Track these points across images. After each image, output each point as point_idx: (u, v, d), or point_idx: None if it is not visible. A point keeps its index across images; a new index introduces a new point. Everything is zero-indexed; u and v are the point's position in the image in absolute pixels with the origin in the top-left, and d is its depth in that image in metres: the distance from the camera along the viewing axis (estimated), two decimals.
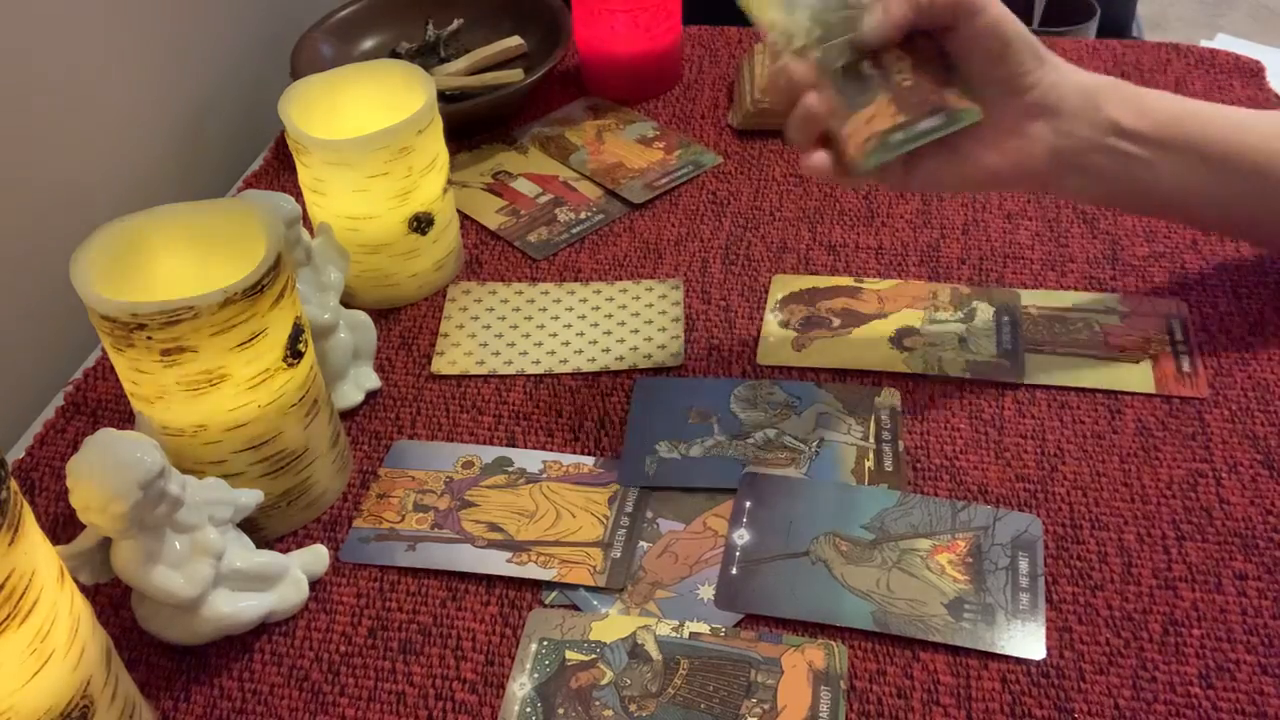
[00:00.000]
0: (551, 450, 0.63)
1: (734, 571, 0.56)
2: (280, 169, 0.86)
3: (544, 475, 0.62)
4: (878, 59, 0.58)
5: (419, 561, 0.58)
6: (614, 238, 0.78)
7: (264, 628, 0.55)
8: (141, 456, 0.49)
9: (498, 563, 0.57)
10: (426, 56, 0.93)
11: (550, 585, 0.56)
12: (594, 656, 0.53)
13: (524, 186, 0.83)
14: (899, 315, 0.70)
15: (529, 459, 0.63)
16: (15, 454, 0.66)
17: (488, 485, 0.61)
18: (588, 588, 0.56)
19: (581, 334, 0.70)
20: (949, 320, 0.69)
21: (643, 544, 0.58)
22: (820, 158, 0.58)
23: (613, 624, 0.54)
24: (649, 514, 0.59)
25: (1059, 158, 0.59)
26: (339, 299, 0.66)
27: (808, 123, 0.58)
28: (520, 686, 0.52)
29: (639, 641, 0.53)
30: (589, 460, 0.62)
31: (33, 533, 0.41)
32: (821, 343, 0.68)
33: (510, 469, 0.62)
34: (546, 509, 0.60)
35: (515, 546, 0.58)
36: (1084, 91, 0.59)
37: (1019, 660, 0.52)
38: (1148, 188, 0.61)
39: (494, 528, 0.59)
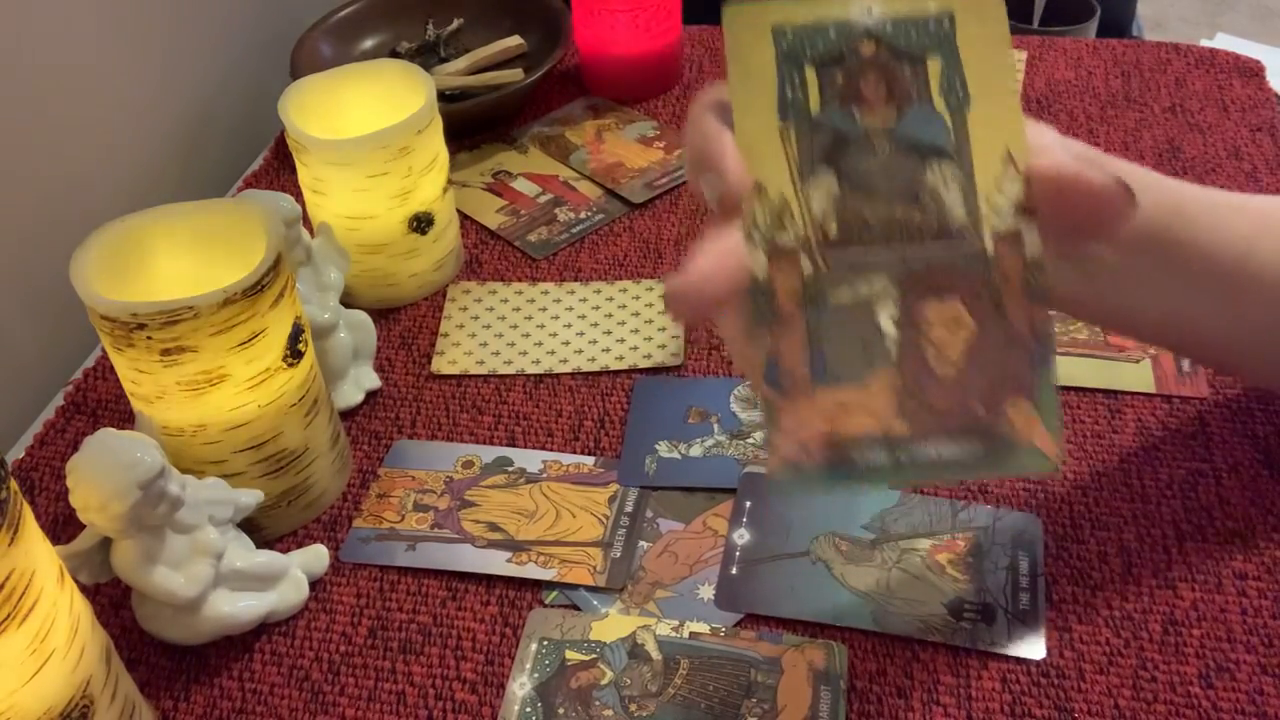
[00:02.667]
0: (551, 450, 0.63)
1: (734, 571, 0.56)
2: (280, 169, 0.86)
3: (544, 475, 0.62)
4: (919, 304, 0.35)
5: (419, 561, 0.58)
6: (614, 237, 0.78)
7: (264, 628, 0.55)
8: (141, 456, 0.49)
9: (498, 563, 0.57)
10: (426, 56, 0.93)
11: (550, 585, 0.56)
12: (594, 656, 0.53)
13: (524, 186, 0.83)
14: None
15: (529, 459, 0.63)
16: (15, 454, 0.66)
17: (488, 485, 0.61)
18: (588, 587, 0.56)
19: (581, 334, 0.70)
20: None
21: (643, 544, 0.58)
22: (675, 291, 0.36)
23: (613, 624, 0.54)
24: (649, 514, 0.59)
25: None
26: (339, 299, 0.66)
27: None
28: (520, 686, 0.52)
29: (639, 641, 0.53)
30: (589, 460, 0.62)
31: (33, 533, 0.41)
32: None
33: (510, 469, 0.62)
34: (546, 509, 0.60)
35: (515, 546, 0.58)
36: None
37: (1019, 660, 0.52)
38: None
39: (494, 527, 0.59)
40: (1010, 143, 0.36)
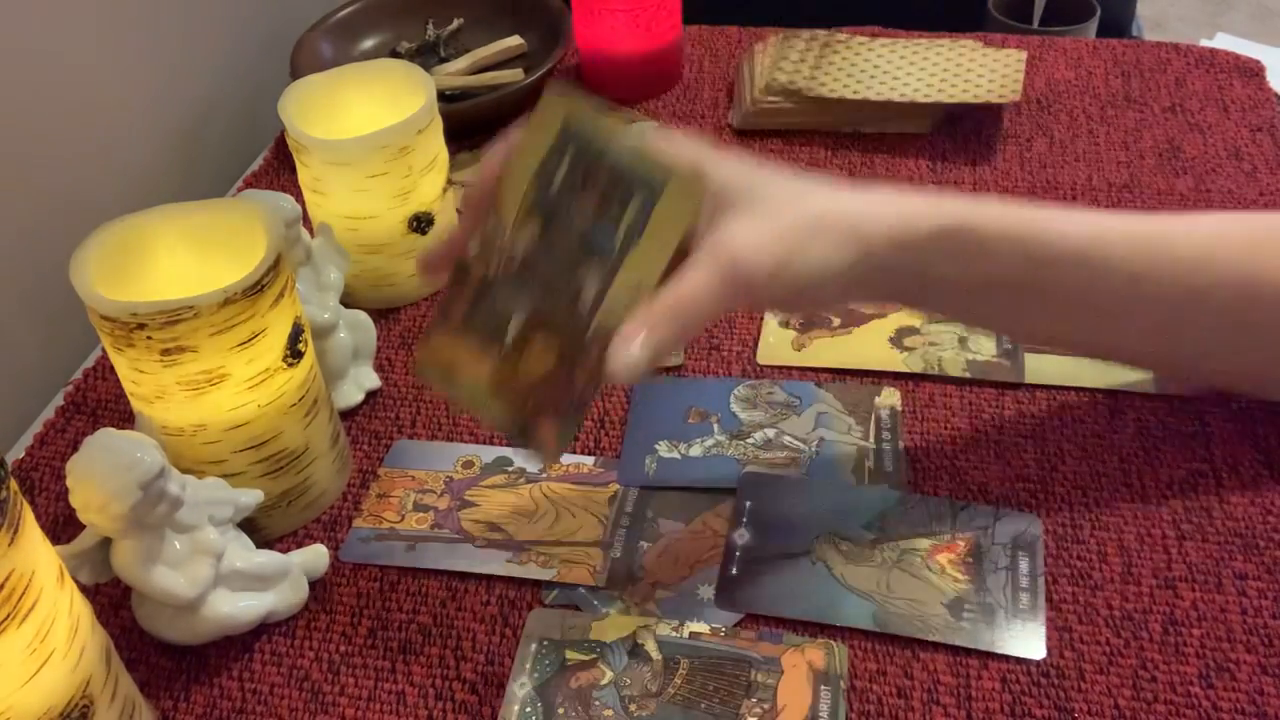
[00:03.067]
0: None
1: (734, 571, 0.56)
2: (280, 169, 0.86)
3: (544, 475, 0.62)
4: (533, 329, 0.50)
5: (419, 561, 0.58)
6: None
7: (264, 628, 0.55)
8: (141, 456, 0.49)
9: (498, 562, 0.57)
10: (426, 56, 0.93)
11: (550, 585, 0.56)
12: (594, 656, 0.53)
13: None
14: (899, 315, 0.70)
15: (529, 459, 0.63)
16: (15, 454, 0.66)
17: (487, 485, 0.61)
18: (587, 588, 0.56)
19: None
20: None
21: (643, 544, 0.58)
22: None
23: (613, 624, 0.54)
24: (649, 514, 0.59)
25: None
26: (339, 299, 0.66)
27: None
28: (520, 686, 0.52)
29: (639, 641, 0.53)
30: (589, 460, 0.62)
31: (33, 533, 0.41)
32: (821, 342, 0.68)
33: (510, 468, 0.62)
34: (546, 509, 0.60)
35: (515, 546, 0.58)
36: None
37: (1019, 660, 0.52)
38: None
39: (494, 527, 0.59)
40: (645, 281, 0.48)
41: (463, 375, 0.51)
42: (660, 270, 0.48)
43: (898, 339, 0.68)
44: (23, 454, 0.66)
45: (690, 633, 0.54)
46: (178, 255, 0.57)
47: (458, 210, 0.75)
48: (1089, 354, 0.63)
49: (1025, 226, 0.52)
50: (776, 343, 0.69)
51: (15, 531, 0.40)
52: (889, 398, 0.64)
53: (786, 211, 0.50)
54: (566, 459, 0.62)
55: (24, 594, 0.40)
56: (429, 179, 0.70)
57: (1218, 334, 0.55)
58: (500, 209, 0.50)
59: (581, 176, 0.49)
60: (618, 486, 0.61)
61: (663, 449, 0.63)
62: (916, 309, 0.65)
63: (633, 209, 0.48)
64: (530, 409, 0.50)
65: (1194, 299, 0.54)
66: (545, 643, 0.54)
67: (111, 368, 0.70)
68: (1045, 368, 0.65)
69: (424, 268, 0.54)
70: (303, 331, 0.56)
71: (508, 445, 0.62)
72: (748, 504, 0.59)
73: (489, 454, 0.63)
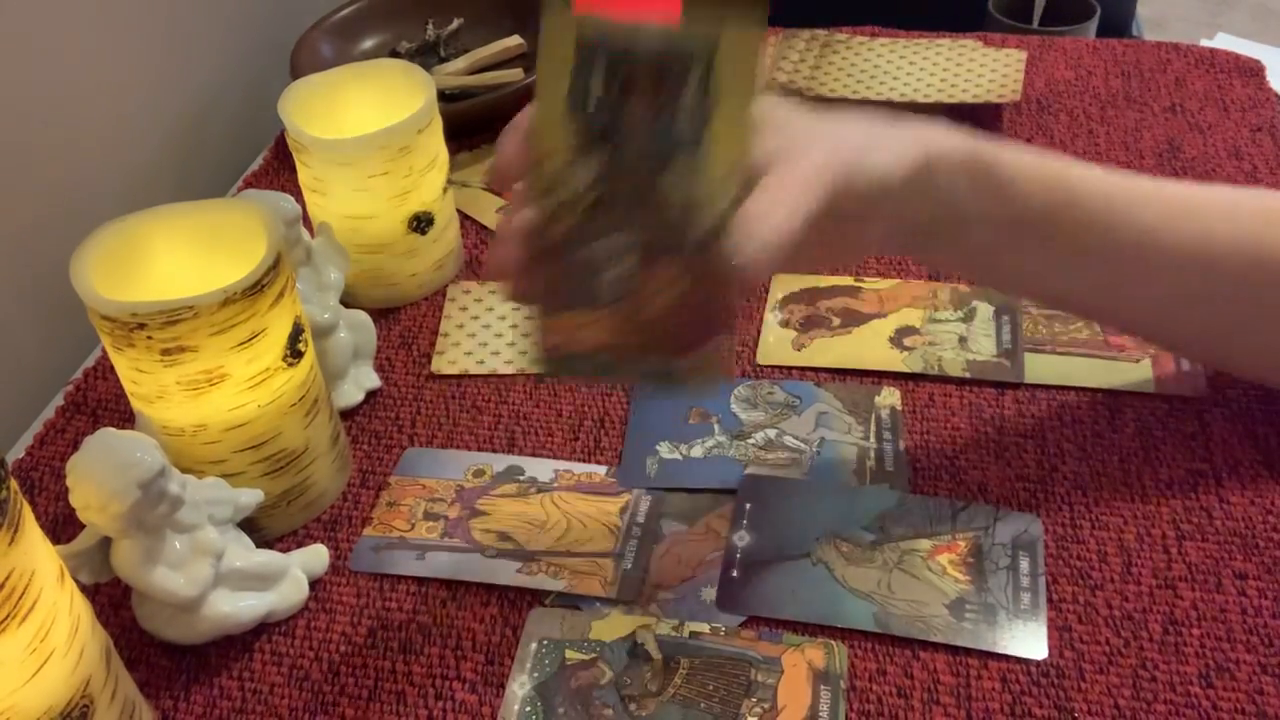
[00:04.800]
0: (561, 459, 0.63)
1: (735, 574, 0.56)
2: (280, 169, 0.86)
3: (555, 484, 0.61)
4: (645, 266, 0.44)
5: (429, 571, 0.57)
6: None
7: (264, 627, 0.55)
8: (141, 456, 0.49)
9: (508, 572, 0.57)
10: (426, 56, 0.93)
11: (562, 596, 0.56)
12: (594, 656, 0.53)
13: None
14: (899, 315, 0.70)
15: (540, 468, 0.62)
16: (15, 454, 0.66)
17: (498, 494, 0.61)
18: (600, 600, 0.56)
19: None
20: (949, 319, 0.69)
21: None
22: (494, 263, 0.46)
23: (613, 623, 0.54)
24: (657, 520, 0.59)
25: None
26: (339, 299, 0.66)
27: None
28: (520, 686, 0.52)
29: (639, 641, 0.53)
30: (600, 470, 0.62)
31: (33, 533, 0.41)
32: (821, 342, 0.68)
33: (521, 478, 0.62)
34: (557, 519, 0.59)
35: (525, 556, 0.58)
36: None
37: (1019, 660, 0.52)
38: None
39: (504, 537, 0.59)
40: (739, 150, 0.43)
41: (586, 348, 0.45)
42: (749, 132, 0.43)
43: (898, 339, 0.68)
44: (23, 454, 0.66)
45: (690, 632, 0.54)
46: (178, 255, 0.57)
47: (459, 210, 0.75)
48: (1103, 318, 0.62)
49: (1049, 166, 0.53)
50: (776, 343, 0.69)
51: (15, 531, 0.40)
52: (889, 398, 0.64)
53: (843, 130, 0.49)
54: (578, 468, 0.62)
55: (24, 594, 0.40)
56: (429, 179, 0.70)
57: (1230, 307, 0.55)
58: (544, 162, 0.44)
59: (622, 84, 0.43)
60: (629, 497, 0.60)
61: (664, 450, 0.63)
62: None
63: (693, 85, 0.43)
64: (683, 343, 0.45)
65: (1207, 264, 0.54)
66: (545, 642, 0.54)
67: (111, 368, 0.70)
68: (1045, 368, 0.65)
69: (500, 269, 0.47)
70: (303, 331, 0.56)
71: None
72: (748, 506, 0.59)
73: (500, 463, 0.63)
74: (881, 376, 0.66)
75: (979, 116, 0.86)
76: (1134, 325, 0.60)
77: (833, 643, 0.53)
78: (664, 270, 0.43)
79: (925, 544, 0.57)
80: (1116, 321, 0.61)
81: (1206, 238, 0.54)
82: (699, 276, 0.43)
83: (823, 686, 0.51)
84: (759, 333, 0.69)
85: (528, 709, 0.51)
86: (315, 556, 0.57)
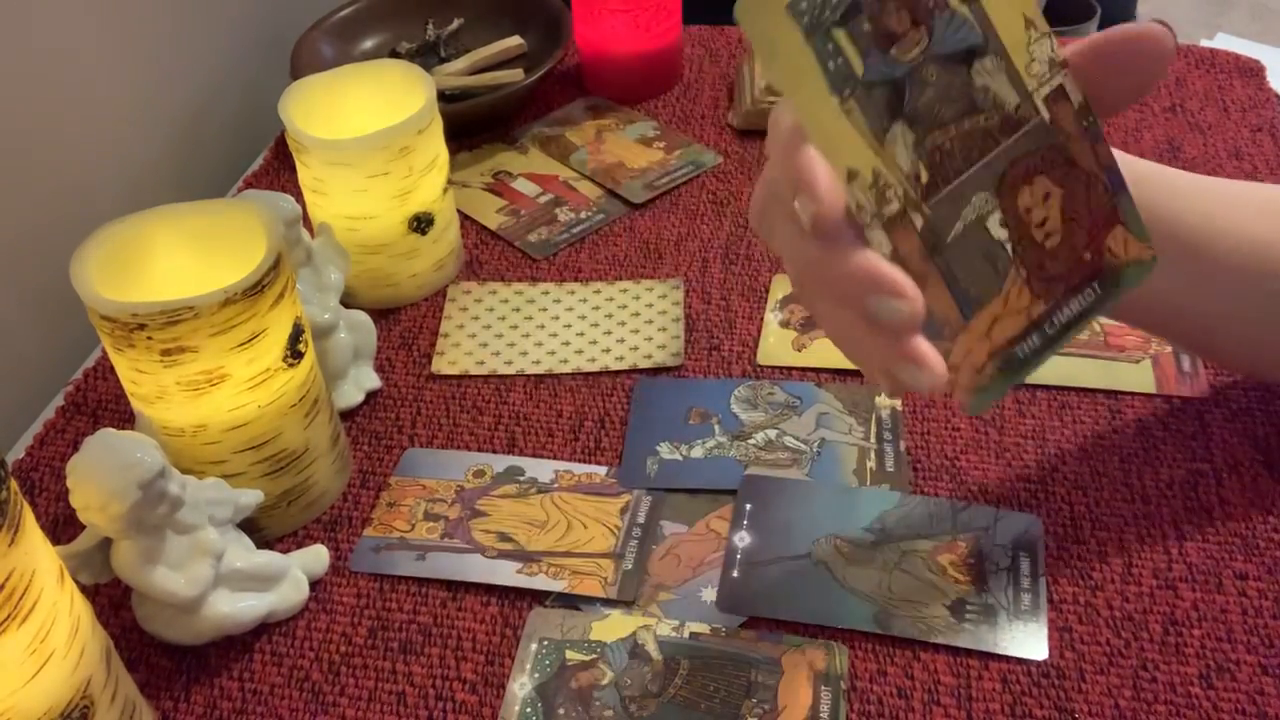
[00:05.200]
0: (561, 460, 0.63)
1: (735, 574, 0.56)
2: (280, 169, 0.86)
3: (555, 485, 0.61)
4: (1014, 198, 0.37)
5: (429, 571, 0.57)
6: (614, 238, 0.78)
7: (264, 628, 0.55)
8: (141, 456, 0.49)
9: (508, 573, 0.57)
10: (426, 56, 0.93)
11: (561, 597, 0.56)
12: (594, 656, 0.53)
13: (524, 186, 0.83)
14: None
15: (540, 468, 0.62)
16: (15, 454, 0.66)
17: (498, 495, 0.61)
18: (601, 600, 0.56)
19: (581, 334, 0.70)
20: None
21: (650, 546, 0.58)
22: (936, 369, 0.38)
23: (613, 624, 0.54)
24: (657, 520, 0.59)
25: None
26: (339, 299, 0.66)
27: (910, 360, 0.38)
28: (520, 686, 0.52)
29: (639, 641, 0.53)
30: (601, 470, 0.62)
31: (33, 533, 0.41)
32: (822, 343, 0.68)
33: (521, 478, 0.62)
34: (557, 519, 0.59)
35: (525, 557, 0.58)
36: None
37: (1019, 660, 0.52)
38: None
39: (504, 537, 0.59)
40: (1024, 8, 0.37)
41: (1011, 340, 0.39)
42: None
43: None
44: (23, 454, 0.66)
45: (691, 633, 0.54)
46: (178, 255, 0.57)
47: (459, 210, 0.75)
48: (1162, 322, 0.54)
49: (1131, 160, 0.49)
50: (777, 343, 0.69)
51: (15, 531, 0.39)
52: (889, 398, 0.64)
53: None
54: (579, 469, 0.62)
55: (24, 594, 0.40)
56: (429, 179, 0.70)
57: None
58: (853, 167, 0.36)
59: (870, 25, 0.36)
60: (629, 497, 0.60)
61: (664, 450, 0.62)
62: None
63: None
64: (1091, 255, 0.39)
65: (1265, 247, 0.51)
66: (545, 643, 0.54)
67: (111, 368, 0.70)
68: (1045, 368, 0.65)
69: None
70: (303, 332, 0.56)
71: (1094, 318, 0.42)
72: (748, 507, 0.59)
73: (500, 463, 0.63)
74: None
75: None
76: (1190, 330, 0.54)
77: (833, 643, 0.53)
78: (1036, 188, 0.38)
79: (925, 544, 0.57)
80: (1170, 328, 0.55)
81: (1266, 229, 0.50)
82: (1066, 158, 0.37)
83: (823, 687, 0.51)
84: (759, 333, 0.69)
85: (528, 710, 0.51)
86: (315, 557, 0.57)
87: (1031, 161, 0.38)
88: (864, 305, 0.38)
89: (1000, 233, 0.38)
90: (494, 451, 0.64)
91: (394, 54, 0.93)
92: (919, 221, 0.37)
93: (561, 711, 0.51)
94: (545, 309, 0.72)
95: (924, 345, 0.38)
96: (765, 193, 0.42)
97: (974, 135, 0.37)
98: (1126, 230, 0.39)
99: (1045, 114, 0.38)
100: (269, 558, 0.55)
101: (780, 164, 0.39)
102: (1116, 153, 0.42)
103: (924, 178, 0.37)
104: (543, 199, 0.82)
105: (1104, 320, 0.68)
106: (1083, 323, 0.40)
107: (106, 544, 0.51)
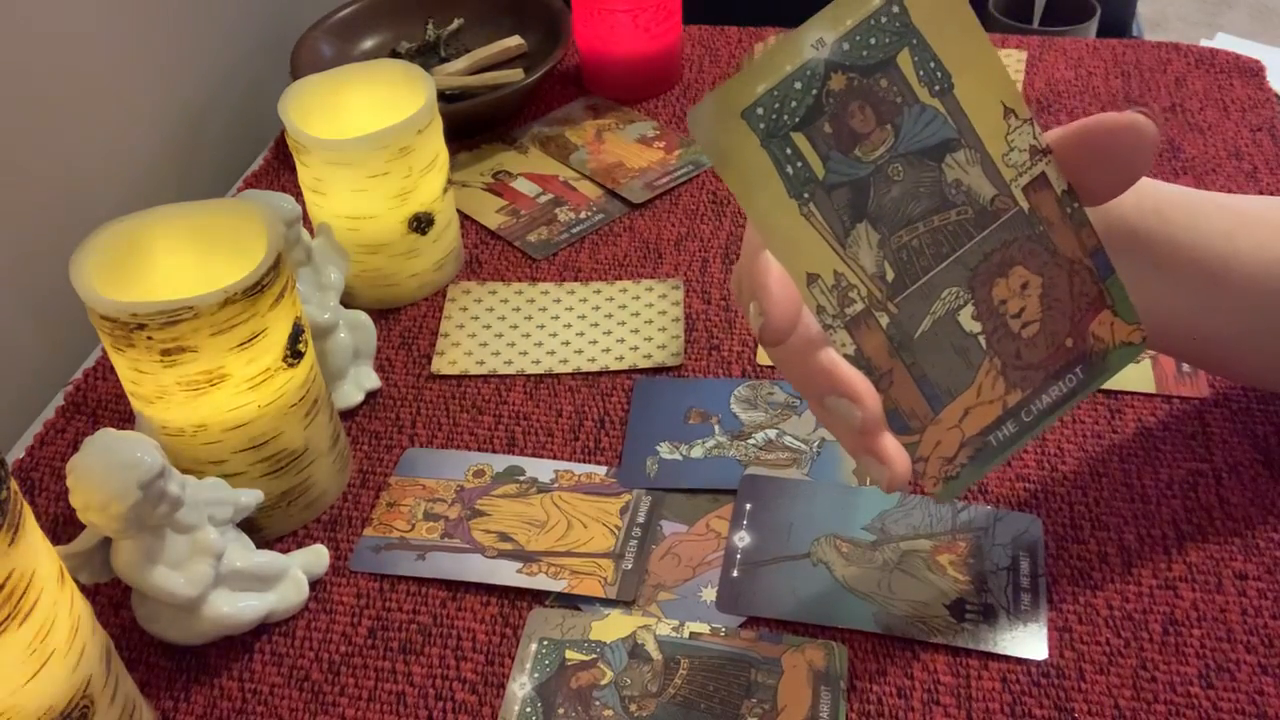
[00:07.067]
0: (561, 459, 0.63)
1: (735, 574, 0.56)
2: (280, 169, 0.86)
3: (555, 485, 0.61)
4: (988, 290, 0.37)
5: (429, 571, 0.57)
6: (614, 238, 0.78)
7: (264, 628, 0.55)
8: (141, 456, 0.49)
9: (508, 573, 0.57)
10: (426, 56, 0.93)
11: (561, 597, 0.56)
12: (594, 656, 0.53)
13: (524, 186, 0.83)
14: None
15: (540, 468, 0.62)
16: (15, 454, 0.66)
17: (498, 494, 0.61)
18: (600, 600, 0.56)
19: (581, 334, 0.70)
20: None
21: (649, 546, 0.58)
22: (897, 467, 0.39)
23: (613, 624, 0.54)
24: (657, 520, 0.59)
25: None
26: (339, 299, 0.66)
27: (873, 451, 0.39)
28: (520, 686, 0.52)
29: (639, 641, 0.53)
30: (601, 470, 0.62)
31: (33, 533, 0.41)
32: None
33: (521, 478, 0.62)
34: (557, 519, 0.60)
35: (525, 557, 0.58)
36: None
37: (1019, 660, 0.52)
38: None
39: (504, 537, 0.59)
40: (1003, 96, 0.36)
41: (986, 430, 0.38)
42: (999, 65, 0.35)
43: None
44: (23, 454, 0.66)
45: (690, 633, 0.54)
46: (178, 255, 0.57)
47: (459, 210, 0.75)
48: (1179, 341, 0.53)
49: None
50: None
51: (15, 531, 0.40)
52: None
53: None
54: (579, 469, 0.62)
55: (24, 594, 0.40)
56: (429, 179, 0.70)
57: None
58: (813, 270, 0.36)
59: (831, 126, 0.34)
60: (629, 497, 0.60)
61: (664, 450, 0.63)
62: None
63: (909, 64, 0.34)
64: (1074, 341, 0.38)
65: None
66: (545, 643, 0.54)
67: (111, 368, 0.70)
68: None
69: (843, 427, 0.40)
70: (303, 332, 0.56)
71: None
72: (748, 506, 0.59)
73: (500, 463, 0.63)
74: None
75: None
76: (1206, 349, 0.54)
77: (833, 643, 0.53)
78: (1013, 279, 0.37)
79: (925, 544, 0.57)
80: (1187, 349, 0.54)
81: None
82: (1047, 246, 0.36)
83: (823, 687, 0.51)
84: None
85: (527, 709, 0.51)
86: (315, 557, 0.57)
87: (1008, 253, 0.37)
88: (822, 404, 0.39)
89: (973, 325, 0.37)
90: (494, 451, 0.64)
91: (394, 54, 0.93)
92: (884, 320, 0.36)
93: (561, 711, 0.51)
94: (545, 309, 0.72)
95: (887, 442, 0.39)
96: (738, 272, 0.42)
97: (944, 230, 0.36)
98: (1114, 314, 0.39)
99: (1024, 203, 0.37)
100: (269, 557, 0.55)
101: (742, 260, 0.39)
102: (1145, 180, 0.42)
103: (890, 275, 0.36)
104: (543, 199, 0.82)
105: None
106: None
107: (106, 544, 0.51)
